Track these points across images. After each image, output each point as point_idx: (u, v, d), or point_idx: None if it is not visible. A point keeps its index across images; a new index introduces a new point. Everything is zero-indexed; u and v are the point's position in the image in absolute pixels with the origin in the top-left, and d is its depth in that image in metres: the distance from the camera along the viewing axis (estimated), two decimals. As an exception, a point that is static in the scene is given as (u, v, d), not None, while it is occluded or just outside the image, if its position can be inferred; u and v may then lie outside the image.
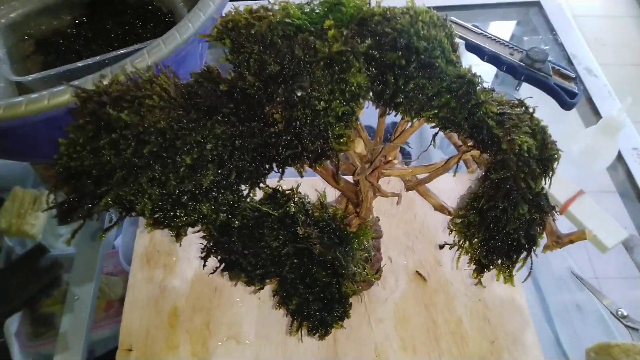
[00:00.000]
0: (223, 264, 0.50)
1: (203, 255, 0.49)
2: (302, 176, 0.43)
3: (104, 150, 0.42)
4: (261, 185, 0.45)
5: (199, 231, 0.47)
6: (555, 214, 0.49)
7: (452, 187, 0.70)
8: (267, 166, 0.44)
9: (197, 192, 0.42)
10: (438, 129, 0.43)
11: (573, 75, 0.81)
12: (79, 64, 0.75)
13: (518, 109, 0.46)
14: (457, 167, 0.47)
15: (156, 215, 0.43)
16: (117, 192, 0.42)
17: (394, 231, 0.68)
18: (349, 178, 0.53)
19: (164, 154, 0.42)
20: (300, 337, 0.50)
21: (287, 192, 0.53)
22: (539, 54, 0.82)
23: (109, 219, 0.45)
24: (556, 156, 0.47)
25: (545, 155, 0.46)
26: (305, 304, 0.50)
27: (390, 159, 0.52)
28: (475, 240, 0.46)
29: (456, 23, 0.89)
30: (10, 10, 0.84)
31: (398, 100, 0.41)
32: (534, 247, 0.47)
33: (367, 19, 0.42)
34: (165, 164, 0.42)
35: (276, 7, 0.46)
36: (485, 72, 0.98)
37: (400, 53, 0.40)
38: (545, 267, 0.76)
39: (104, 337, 0.74)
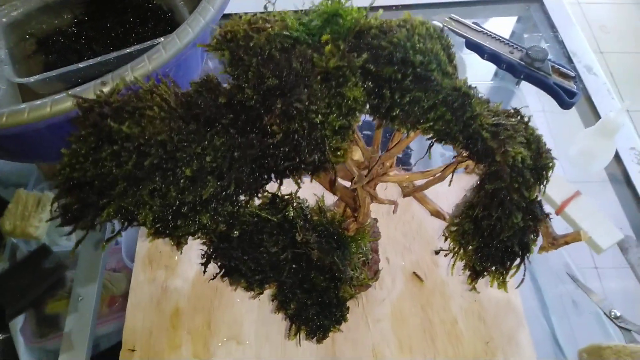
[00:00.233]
0: (223, 270, 0.51)
1: (203, 261, 0.50)
2: (299, 187, 0.44)
3: (105, 161, 0.43)
4: (259, 195, 0.46)
5: (198, 237, 0.48)
6: (549, 221, 0.50)
7: (450, 189, 0.70)
8: (265, 176, 0.45)
9: (197, 203, 0.43)
10: (433, 140, 0.44)
11: (572, 74, 0.82)
12: (81, 65, 0.75)
13: (513, 119, 0.46)
14: (452, 176, 0.47)
15: (157, 226, 0.44)
16: (119, 204, 0.43)
17: (392, 232, 0.69)
18: (347, 183, 0.54)
19: (165, 166, 0.43)
20: (299, 341, 0.51)
21: (286, 197, 0.54)
22: (539, 52, 0.82)
23: (110, 228, 0.47)
24: (550, 165, 0.48)
25: (539, 164, 0.46)
26: (304, 309, 0.51)
27: (387, 164, 0.52)
28: (470, 247, 0.47)
29: (457, 21, 0.89)
30: (12, 9, 0.84)
31: (394, 114, 0.42)
32: (528, 254, 0.48)
33: (364, 32, 0.43)
34: (165, 176, 0.43)
35: (275, 17, 0.46)
36: (486, 70, 0.99)
37: (396, 67, 0.41)
38: (543, 262, 0.77)
39: (108, 332, 0.76)
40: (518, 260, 0.48)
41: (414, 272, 0.66)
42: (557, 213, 0.69)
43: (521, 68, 0.83)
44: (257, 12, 0.48)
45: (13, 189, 0.91)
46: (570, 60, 0.88)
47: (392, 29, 0.42)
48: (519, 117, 0.48)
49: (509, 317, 0.62)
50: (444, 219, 0.53)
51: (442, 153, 0.81)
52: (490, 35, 0.87)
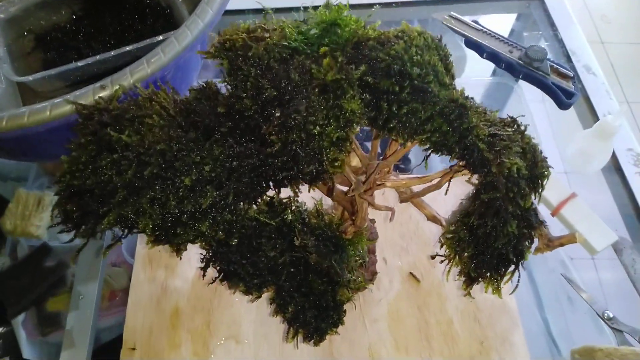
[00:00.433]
0: (222, 274, 0.52)
1: (202, 265, 0.51)
2: (297, 195, 0.45)
3: (105, 169, 0.44)
4: (258, 202, 0.47)
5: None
6: (545, 227, 0.51)
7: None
8: (264, 185, 0.46)
9: (197, 212, 0.44)
10: (430, 151, 0.44)
11: (571, 74, 0.82)
12: (79, 63, 0.75)
13: (510, 129, 0.47)
14: (449, 185, 0.48)
15: (157, 233, 0.44)
16: (119, 212, 0.43)
17: (389, 233, 0.69)
18: (345, 187, 0.54)
19: (164, 175, 0.43)
20: (296, 343, 0.52)
21: (284, 200, 0.55)
22: (538, 52, 0.82)
23: (111, 235, 0.47)
24: (546, 173, 0.48)
25: (535, 174, 0.47)
26: (301, 312, 0.52)
27: (385, 170, 0.53)
28: (465, 254, 0.48)
29: (456, 19, 0.89)
30: (9, 5, 0.84)
31: (391, 125, 0.42)
32: (522, 261, 0.49)
33: (362, 43, 0.43)
34: (165, 185, 0.43)
35: (273, 26, 0.46)
36: (486, 65, 0.98)
37: (393, 79, 0.41)
38: (539, 258, 0.78)
39: (109, 326, 0.77)
40: (512, 267, 0.49)
41: (411, 273, 0.67)
42: (552, 214, 0.70)
43: (520, 68, 0.83)
44: (255, 20, 0.49)
45: (12, 183, 0.92)
46: (569, 59, 0.88)
47: (390, 41, 0.42)
48: (515, 126, 0.48)
49: (504, 318, 0.63)
50: (441, 225, 0.54)
51: (443, 159, 0.82)
52: (490, 34, 0.87)
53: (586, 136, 0.72)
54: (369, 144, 0.81)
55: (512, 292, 0.50)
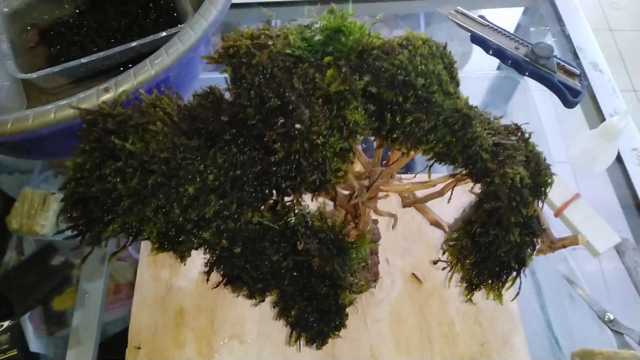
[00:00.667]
0: (225, 278, 0.52)
1: (206, 269, 0.52)
2: (300, 204, 0.45)
3: (110, 177, 0.44)
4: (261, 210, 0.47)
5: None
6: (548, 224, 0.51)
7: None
8: (267, 192, 0.46)
9: (201, 220, 0.44)
10: (433, 161, 0.44)
11: (577, 72, 0.81)
12: (84, 60, 0.75)
13: (513, 137, 0.47)
14: (451, 193, 0.48)
15: (161, 241, 0.45)
16: (124, 220, 0.44)
17: (392, 233, 0.69)
18: (348, 191, 0.54)
19: (168, 183, 0.43)
20: (299, 347, 0.52)
21: (287, 203, 0.55)
22: (544, 49, 0.81)
23: (115, 242, 0.48)
24: (549, 181, 0.48)
25: (538, 182, 0.47)
26: (304, 316, 0.53)
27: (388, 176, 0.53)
28: (467, 262, 0.48)
29: (462, 14, 0.88)
30: (12, -2, 0.84)
31: (394, 136, 0.42)
32: (524, 268, 0.49)
33: (367, 52, 0.42)
34: (169, 194, 0.43)
35: (277, 32, 0.46)
36: (492, 59, 0.97)
37: (397, 90, 0.41)
38: (541, 256, 0.78)
39: (115, 319, 0.78)
40: (514, 274, 0.49)
41: (413, 274, 0.67)
42: (555, 215, 0.70)
43: (526, 65, 0.82)
44: (259, 25, 0.48)
45: (18, 177, 0.92)
46: (576, 56, 0.88)
47: (395, 49, 0.42)
48: (519, 134, 0.48)
49: (505, 320, 0.64)
50: (443, 230, 0.54)
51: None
52: (496, 29, 0.86)
53: (591, 136, 0.72)
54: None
55: (514, 298, 0.50)
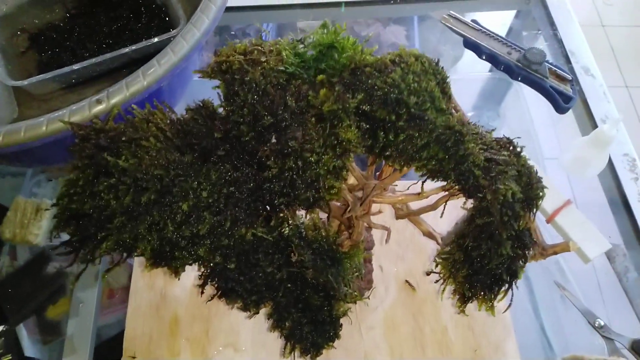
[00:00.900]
0: (220, 291, 0.52)
1: (200, 282, 0.52)
2: (289, 226, 0.45)
3: (103, 194, 0.44)
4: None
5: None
6: (539, 230, 0.52)
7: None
8: (260, 209, 0.46)
9: (194, 237, 0.44)
10: (426, 177, 0.44)
11: (569, 77, 0.81)
12: (75, 67, 0.75)
13: (506, 152, 0.47)
14: (444, 207, 0.48)
15: (155, 257, 0.45)
16: (117, 238, 0.44)
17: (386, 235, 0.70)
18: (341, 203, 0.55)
19: (162, 201, 0.43)
20: (293, 358, 0.53)
21: (281, 214, 0.55)
22: (536, 55, 0.81)
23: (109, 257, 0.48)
24: (541, 194, 0.49)
25: (530, 195, 0.47)
26: (298, 327, 0.53)
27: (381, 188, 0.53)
28: (460, 275, 0.48)
29: (455, 18, 0.88)
30: (2, 3, 0.83)
31: (387, 153, 0.42)
32: (516, 280, 0.49)
33: (359, 70, 0.43)
34: (162, 211, 0.43)
35: (270, 47, 0.46)
36: (484, 64, 0.98)
37: (390, 108, 0.41)
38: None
39: (110, 323, 0.78)
40: (506, 286, 0.50)
41: (407, 281, 0.67)
42: (547, 221, 0.71)
43: (518, 70, 0.83)
44: (252, 39, 0.48)
45: (10, 179, 0.92)
46: (568, 60, 0.88)
47: (387, 67, 0.42)
48: (511, 148, 0.48)
49: (498, 327, 0.64)
50: (436, 241, 0.54)
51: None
52: (489, 34, 0.86)
53: (582, 144, 0.73)
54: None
55: (505, 310, 0.50)
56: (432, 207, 0.49)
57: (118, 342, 0.66)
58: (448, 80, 0.46)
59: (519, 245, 0.48)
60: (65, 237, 0.46)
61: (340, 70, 0.43)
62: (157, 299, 0.66)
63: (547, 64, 0.82)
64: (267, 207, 0.45)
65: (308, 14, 1.01)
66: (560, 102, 0.79)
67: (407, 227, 0.72)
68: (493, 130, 0.51)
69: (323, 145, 0.41)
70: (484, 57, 0.86)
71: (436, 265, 0.50)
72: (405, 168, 0.45)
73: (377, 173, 0.54)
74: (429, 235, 0.55)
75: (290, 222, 0.56)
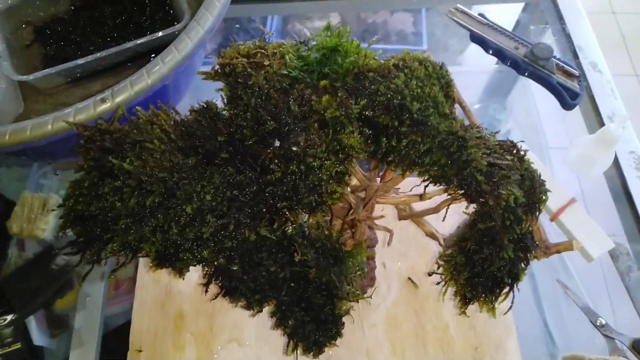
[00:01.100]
0: (224, 290, 0.53)
1: (205, 281, 0.52)
2: (292, 224, 0.46)
3: (108, 196, 0.44)
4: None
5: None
6: (543, 228, 0.52)
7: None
8: (264, 211, 0.46)
9: (198, 239, 0.44)
10: (428, 182, 0.44)
11: (577, 73, 0.80)
12: (80, 61, 0.75)
13: (509, 156, 0.47)
14: (447, 211, 0.48)
15: (159, 258, 0.45)
16: (123, 239, 0.44)
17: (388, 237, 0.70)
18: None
19: (166, 203, 0.44)
20: (296, 356, 0.54)
21: (283, 218, 0.55)
22: (544, 50, 0.80)
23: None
24: (544, 198, 0.49)
25: (533, 199, 0.47)
26: (301, 326, 0.54)
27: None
28: (461, 277, 0.49)
29: (462, 12, 0.87)
30: (7, -7, 0.83)
31: (390, 159, 0.42)
32: (517, 283, 0.50)
33: (363, 74, 0.42)
34: (167, 213, 0.44)
35: (274, 49, 0.46)
36: (491, 58, 0.97)
37: (393, 114, 0.41)
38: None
39: (116, 313, 0.80)
40: (507, 288, 0.50)
41: (409, 278, 0.68)
42: (551, 220, 0.71)
43: (525, 65, 0.82)
44: (256, 41, 0.48)
45: (17, 169, 0.93)
46: (575, 55, 0.87)
47: (391, 72, 0.42)
48: (515, 151, 0.48)
49: (499, 325, 0.65)
50: (439, 242, 0.54)
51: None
52: (496, 28, 0.85)
53: (588, 142, 0.72)
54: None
55: (507, 312, 0.51)
56: (435, 210, 0.49)
57: (124, 333, 0.67)
58: (452, 83, 0.46)
59: (520, 248, 0.48)
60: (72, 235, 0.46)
61: (344, 75, 0.43)
62: (162, 294, 0.67)
63: (554, 60, 0.81)
64: (270, 210, 0.46)
65: (314, 5, 1.00)
66: (567, 98, 0.79)
67: (410, 225, 0.72)
68: (497, 132, 0.50)
69: (326, 150, 0.42)
70: (490, 52, 0.85)
71: (438, 267, 0.50)
72: (407, 173, 0.45)
73: (380, 174, 0.54)
74: (432, 236, 0.55)
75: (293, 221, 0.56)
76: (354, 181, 0.53)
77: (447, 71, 0.46)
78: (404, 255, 0.70)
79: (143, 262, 0.70)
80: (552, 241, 0.63)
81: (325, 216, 0.52)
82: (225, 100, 0.45)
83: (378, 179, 0.53)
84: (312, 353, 0.54)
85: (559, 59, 0.81)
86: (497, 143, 0.48)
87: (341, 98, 0.41)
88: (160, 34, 0.75)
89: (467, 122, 0.62)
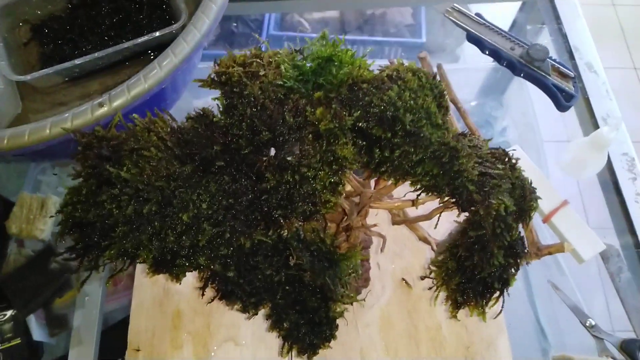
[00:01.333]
0: (219, 293, 0.54)
1: (201, 285, 0.53)
2: (288, 232, 0.46)
3: (106, 204, 0.45)
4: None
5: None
6: (535, 230, 0.53)
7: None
8: (259, 218, 0.47)
9: (194, 246, 0.45)
10: (420, 192, 0.45)
11: (572, 74, 0.81)
12: (77, 61, 0.75)
13: (500, 165, 0.48)
14: (439, 218, 0.49)
15: (156, 265, 0.46)
16: (120, 246, 0.45)
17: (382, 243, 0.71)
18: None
19: (162, 212, 0.45)
20: (291, 358, 0.55)
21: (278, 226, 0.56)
22: (539, 52, 0.81)
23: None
24: (535, 206, 0.50)
25: (523, 207, 0.48)
26: (295, 328, 0.55)
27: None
28: (453, 283, 0.50)
29: (459, 11, 0.87)
30: (4, -9, 0.82)
31: (382, 169, 0.43)
32: (507, 288, 0.51)
33: (357, 86, 0.43)
34: (163, 221, 0.45)
35: (269, 58, 0.47)
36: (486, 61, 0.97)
37: (386, 126, 0.42)
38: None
39: (115, 309, 0.81)
40: (497, 293, 0.51)
41: (403, 279, 0.69)
42: (544, 221, 0.72)
43: (521, 66, 0.82)
44: (252, 49, 0.49)
45: (15, 165, 0.93)
46: (572, 56, 0.87)
47: (385, 84, 0.43)
48: (507, 159, 0.49)
49: (490, 325, 0.66)
50: (431, 247, 0.55)
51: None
52: (493, 28, 0.86)
53: (581, 145, 0.73)
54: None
55: (497, 315, 0.52)
56: (427, 217, 0.50)
57: (122, 330, 0.69)
58: (445, 93, 0.47)
59: (511, 255, 0.49)
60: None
61: (338, 86, 0.43)
62: (160, 294, 0.68)
63: (550, 61, 0.81)
64: (265, 218, 0.46)
65: (312, 3, 1.00)
66: (561, 100, 0.79)
67: (404, 225, 0.73)
68: (489, 140, 0.51)
69: (320, 161, 0.42)
70: (487, 52, 0.86)
71: (430, 272, 0.51)
72: (400, 182, 0.46)
73: (374, 180, 0.55)
74: (425, 240, 0.56)
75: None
76: (348, 187, 0.53)
77: (440, 82, 0.46)
78: (399, 256, 0.71)
79: (140, 265, 0.71)
80: (546, 241, 0.64)
81: (319, 222, 0.53)
82: (221, 109, 0.46)
83: (372, 184, 0.54)
84: (306, 355, 0.55)
85: (554, 60, 0.82)
86: (489, 151, 0.49)
87: (335, 110, 0.41)
88: (157, 33, 0.75)
89: (462, 123, 0.63)
